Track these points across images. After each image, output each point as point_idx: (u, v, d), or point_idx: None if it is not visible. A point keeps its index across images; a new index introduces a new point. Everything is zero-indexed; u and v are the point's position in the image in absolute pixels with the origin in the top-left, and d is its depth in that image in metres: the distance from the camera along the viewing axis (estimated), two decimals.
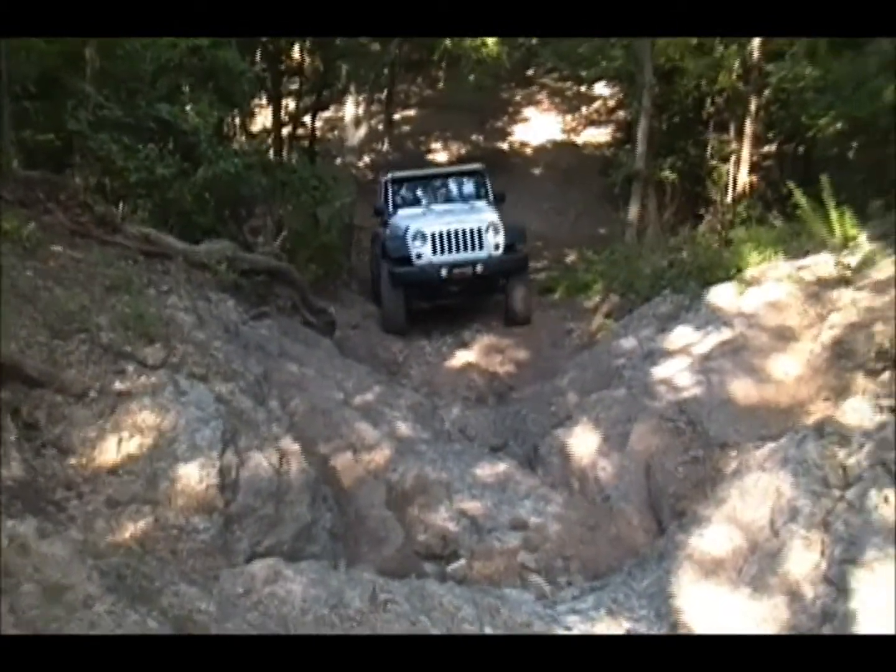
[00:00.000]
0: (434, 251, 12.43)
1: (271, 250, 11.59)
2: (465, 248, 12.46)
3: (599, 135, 24.74)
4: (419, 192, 14.69)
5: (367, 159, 22.39)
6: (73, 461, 5.07)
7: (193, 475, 5.28)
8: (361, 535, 6.23)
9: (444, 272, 12.29)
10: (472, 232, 12.53)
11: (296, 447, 6.13)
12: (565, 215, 20.14)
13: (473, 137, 25.28)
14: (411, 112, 27.00)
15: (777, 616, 4.74)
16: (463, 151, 24.49)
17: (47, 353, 5.80)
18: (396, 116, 26.08)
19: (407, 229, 12.76)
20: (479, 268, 12.32)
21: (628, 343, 9.54)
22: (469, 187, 14.80)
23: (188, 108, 12.25)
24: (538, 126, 25.93)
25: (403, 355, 11.84)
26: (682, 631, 4.90)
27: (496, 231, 12.59)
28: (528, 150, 24.65)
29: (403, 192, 14.66)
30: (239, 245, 10.93)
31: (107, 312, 6.74)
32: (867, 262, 8.08)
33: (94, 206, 9.01)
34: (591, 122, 25.56)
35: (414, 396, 9.63)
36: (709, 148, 16.95)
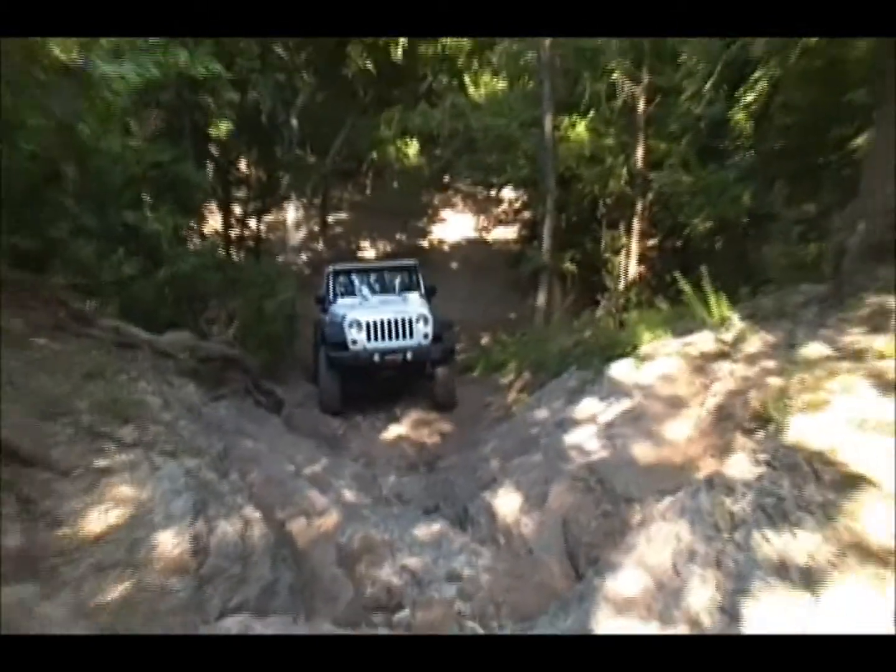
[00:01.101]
0: (368, 338, 12.37)
1: (225, 339, 11.70)
2: (397, 337, 12.43)
3: (507, 232, 25.16)
4: (357, 284, 14.74)
5: (304, 257, 22.45)
6: (63, 531, 5.03)
7: (169, 541, 5.28)
8: (316, 591, 6.19)
9: (376, 357, 12.23)
10: (403, 322, 12.48)
11: (257, 514, 6.11)
12: (479, 303, 20.38)
13: (398, 236, 25.55)
14: (343, 215, 27.18)
15: None
16: (388, 249, 24.78)
17: (37, 435, 5.80)
18: (330, 219, 26.25)
19: (344, 317, 12.69)
20: (409, 355, 12.28)
21: (541, 414, 9.60)
22: (403, 280, 14.88)
23: (149, 215, 12.34)
24: (454, 226, 26.38)
25: (342, 430, 11.78)
26: None
27: (426, 322, 12.56)
28: (446, 247, 24.99)
29: (343, 282, 14.73)
30: (196, 335, 11.03)
31: (86, 397, 6.73)
32: (740, 339, 8.32)
33: (71, 304, 9.08)
34: (499, 222, 26.01)
35: (354, 467, 9.63)
36: (603, 243, 17.36)
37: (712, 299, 9.19)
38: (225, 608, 5.21)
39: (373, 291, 14.58)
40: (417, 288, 14.62)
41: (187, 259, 12.23)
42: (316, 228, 24.86)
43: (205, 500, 5.89)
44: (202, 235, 17.60)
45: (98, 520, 5.26)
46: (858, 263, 8.35)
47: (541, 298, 15.58)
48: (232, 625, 4.57)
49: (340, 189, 28.05)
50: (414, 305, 13.36)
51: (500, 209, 26.46)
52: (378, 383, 13.01)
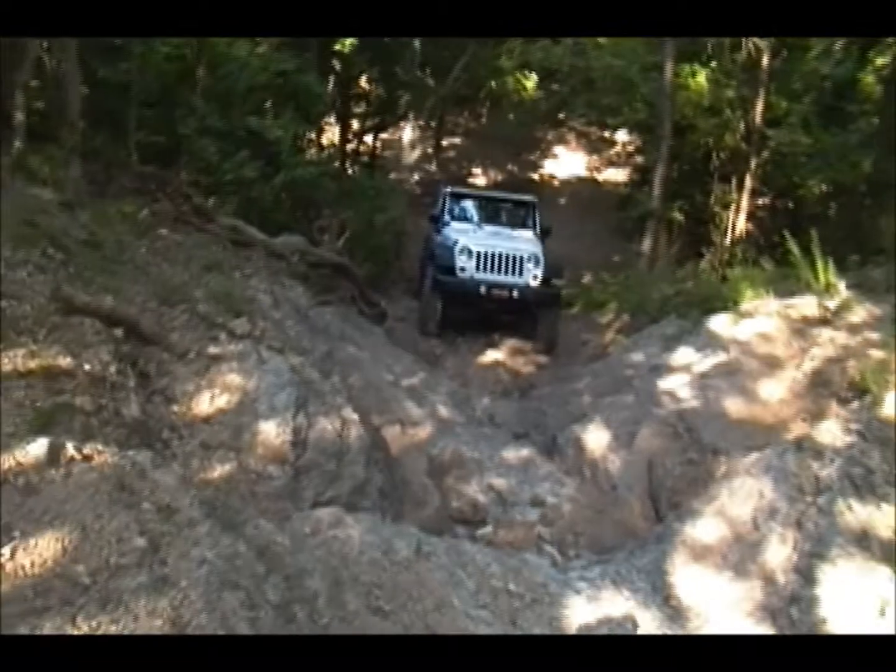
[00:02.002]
0: (477, 268, 11.99)
1: (335, 248, 11.84)
2: (506, 272, 12.03)
3: (617, 174, 24.72)
4: (473, 210, 14.30)
5: (416, 177, 22.51)
6: (175, 409, 5.28)
7: (271, 431, 5.48)
8: (405, 497, 6.33)
9: (482, 289, 11.87)
10: (514, 258, 12.09)
11: (355, 416, 6.25)
12: (583, 241, 20.08)
13: (509, 167, 25.33)
14: (457, 140, 27.03)
15: (753, 597, 4.89)
16: (499, 178, 24.59)
17: (157, 318, 6.02)
18: (444, 143, 26.14)
19: (456, 242, 12.29)
20: (515, 292, 11.90)
21: (636, 357, 9.52)
22: (519, 215, 14.33)
23: (271, 121, 12.48)
24: (565, 162, 26.00)
25: (441, 349, 11.81)
26: (672, 602, 5.01)
27: (536, 262, 12.14)
28: (556, 182, 24.65)
29: (459, 206, 14.26)
30: (308, 241, 11.17)
31: (203, 288, 6.94)
32: (844, 307, 8.14)
33: (193, 198, 9.32)
34: (611, 163, 25.59)
35: (450, 385, 9.65)
36: (713, 195, 16.92)
37: (820, 264, 8.93)
38: (317, 500, 5.39)
39: (488, 221, 13.93)
40: (533, 226, 14.01)
41: (306, 167, 12.25)
42: (430, 150, 24.75)
43: (306, 396, 6.06)
44: (320, 146, 17.72)
45: (207, 402, 5.48)
46: None
47: (646, 244, 15.28)
48: (324, 515, 4.65)
49: (456, 114, 27.71)
50: (527, 243, 12.86)
51: (612, 151, 26.06)
52: (480, 314, 12.65)
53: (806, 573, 4.86)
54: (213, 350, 5.90)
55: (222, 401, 5.48)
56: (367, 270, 12.60)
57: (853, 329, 7.77)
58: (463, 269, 11.98)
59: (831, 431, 5.93)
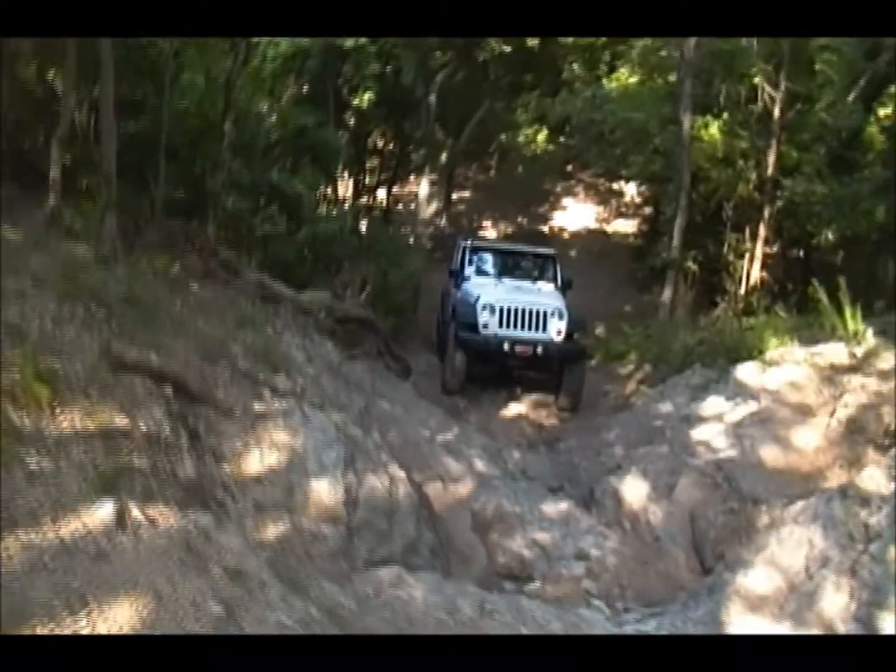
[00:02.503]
0: (500, 324, 11.60)
1: (358, 302, 11.81)
2: (530, 328, 11.64)
3: (626, 226, 24.93)
4: (493, 264, 13.86)
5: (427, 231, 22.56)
6: (226, 468, 5.20)
7: (323, 489, 5.44)
8: (452, 554, 6.24)
9: (506, 345, 11.42)
10: (538, 313, 11.71)
11: (402, 474, 6.23)
12: (596, 293, 20.12)
13: (518, 219, 25.47)
14: (466, 193, 27.25)
15: None
16: (509, 231, 24.76)
17: (200, 374, 5.93)
18: (454, 196, 26.28)
19: (478, 298, 11.93)
20: (539, 349, 11.45)
21: (665, 407, 9.48)
22: (540, 269, 13.99)
23: (293, 176, 12.61)
24: (574, 214, 26.15)
25: (464, 402, 11.62)
26: None
27: (560, 317, 11.75)
28: (565, 234, 24.77)
29: (479, 260, 13.84)
30: (332, 296, 11.21)
31: (240, 344, 6.92)
32: (872, 353, 8.14)
33: (220, 253, 9.34)
34: (620, 215, 25.78)
35: (482, 439, 9.55)
36: (726, 245, 16.99)
37: (848, 311, 8.96)
38: (371, 559, 5.32)
39: (508, 275, 13.48)
40: (554, 279, 13.67)
41: (329, 221, 12.33)
42: (440, 205, 24.90)
43: (353, 453, 6.02)
44: (336, 201, 17.84)
45: (257, 461, 5.42)
46: None
47: (666, 294, 15.29)
48: (385, 575, 4.65)
49: (465, 168, 27.94)
50: (549, 297, 12.54)
51: (621, 202, 26.24)
52: (503, 371, 12.30)
53: (866, 621, 4.76)
54: (258, 407, 5.86)
55: (272, 459, 5.43)
56: (387, 325, 12.54)
57: (883, 375, 7.72)
58: (486, 326, 11.64)
59: (874, 478, 5.91)
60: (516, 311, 11.69)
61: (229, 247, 9.84)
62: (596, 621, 5.24)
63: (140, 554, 3.44)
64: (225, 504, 4.92)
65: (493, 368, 12.18)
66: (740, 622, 5.15)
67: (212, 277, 8.89)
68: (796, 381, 8.24)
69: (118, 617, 3.08)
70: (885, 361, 7.98)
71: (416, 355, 13.57)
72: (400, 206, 24.07)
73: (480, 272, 13.55)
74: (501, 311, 11.68)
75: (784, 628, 5.00)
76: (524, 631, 4.54)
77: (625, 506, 7.35)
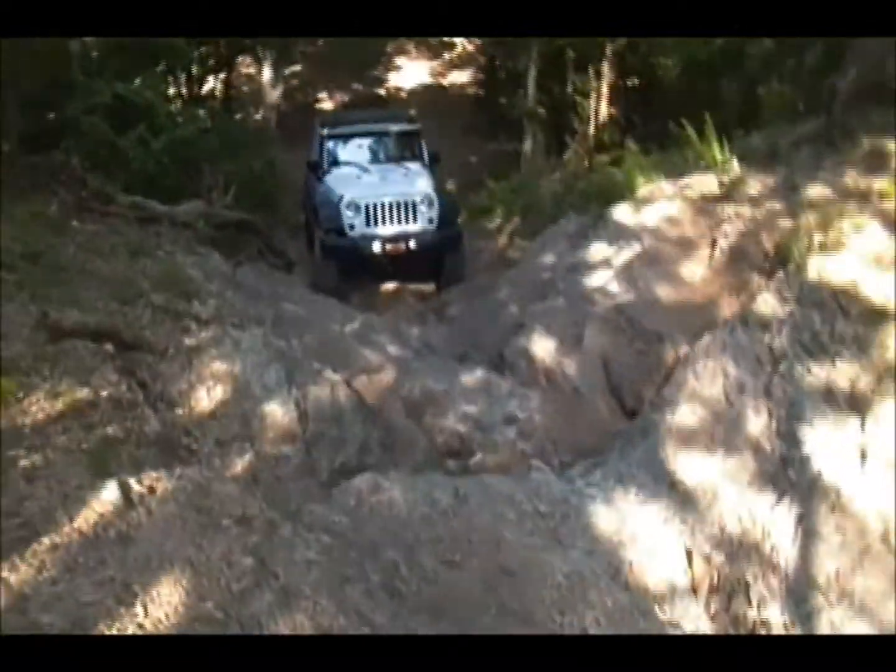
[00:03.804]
0: (367, 223, 11.01)
1: (225, 202, 11.31)
2: (399, 222, 11.06)
3: (462, 77, 24.76)
4: (353, 151, 12.76)
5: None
6: (179, 412, 5.14)
7: (277, 411, 5.44)
8: (395, 443, 6.29)
9: (376, 246, 10.95)
10: (405, 205, 11.10)
11: (337, 377, 6.23)
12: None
13: (354, 86, 24.90)
14: (297, 68, 26.28)
15: (748, 467, 5.25)
16: (346, 99, 24.20)
17: (125, 320, 5.82)
18: (286, 71, 25.04)
19: (341, 198, 11.18)
20: (412, 243, 11.01)
21: (548, 258, 9.61)
22: (405, 146, 12.98)
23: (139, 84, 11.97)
24: (409, 73, 25.71)
25: (345, 286, 11.13)
26: (678, 488, 5.32)
27: (430, 205, 11.14)
28: (403, 94, 24.46)
29: (339, 148, 12.70)
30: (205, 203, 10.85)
31: (145, 277, 6.78)
32: (739, 182, 8.52)
33: (89, 182, 8.95)
34: (454, 67, 25.54)
35: (381, 321, 9.45)
36: (570, 85, 17.11)
37: (713, 142, 9.29)
38: (332, 469, 5.41)
39: (372, 160, 12.62)
40: (420, 156, 12.75)
41: (186, 125, 11.80)
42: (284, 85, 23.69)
43: (287, 367, 6.01)
44: (183, 101, 16.80)
45: (206, 398, 5.37)
46: (850, 106, 8.51)
47: (527, 145, 15.43)
48: (360, 484, 4.71)
49: (291, 43, 26.77)
50: (419, 182, 11.76)
51: (454, 53, 25.92)
52: (379, 271, 11.56)
53: (788, 437, 5.26)
54: (188, 341, 5.78)
55: (218, 393, 5.39)
56: (259, 219, 12.19)
57: (754, 202, 8.13)
58: (352, 227, 11.03)
59: (768, 303, 6.36)
60: (383, 206, 11.05)
61: (93, 172, 9.39)
62: (549, 482, 5.49)
63: (158, 526, 3.48)
64: (192, 448, 4.93)
65: (368, 271, 11.52)
66: (677, 457, 5.52)
67: (88, 210, 8.58)
68: (672, 216, 8.56)
69: (167, 597, 3.15)
70: (752, 188, 8.38)
71: (286, 246, 13.23)
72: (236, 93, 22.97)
73: (341, 162, 12.54)
74: (367, 208, 11.02)
75: (718, 455, 5.41)
76: (500, 508, 4.80)
77: (537, 363, 7.54)
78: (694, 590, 4.78)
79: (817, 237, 6.80)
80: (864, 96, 8.45)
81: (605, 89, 15.90)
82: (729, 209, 8.23)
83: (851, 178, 7.72)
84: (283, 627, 3.14)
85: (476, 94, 22.06)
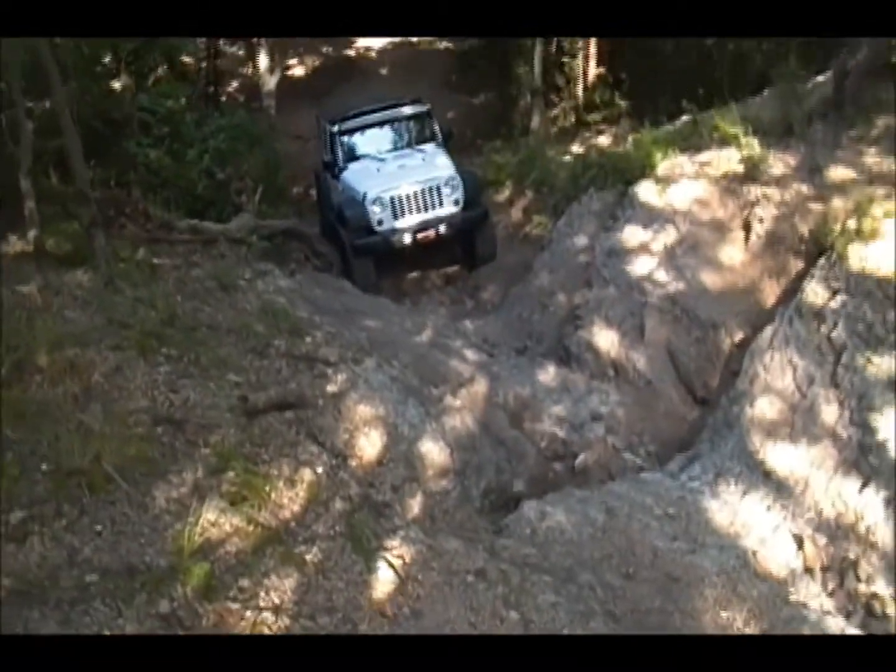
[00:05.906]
0: (395, 216, 11.05)
1: (254, 206, 11.24)
2: (426, 209, 11.12)
3: None
4: (366, 143, 12.44)
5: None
6: (353, 464, 5.41)
7: (431, 448, 5.82)
8: (510, 456, 6.65)
9: (407, 238, 11.02)
10: (430, 191, 11.12)
11: (457, 402, 6.63)
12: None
13: (324, 50, 24.72)
14: None
15: (831, 454, 5.99)
16: (317, 64, 24.10)
17: (256, 376, 5.93)
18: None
19: (365, 195, 11.19)
20: (442, 228, 11.06)
21: (581, 241, 9.83)
22: (418, 130, 12.67)
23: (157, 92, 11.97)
24: None
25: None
26: (772, 477, 6.05)
27: (454, 187, 11.16)
28: (373, 54, 24.39)
29: (351, 143, 12.43)
30: (234, 210, 10.96)
31: (251, 315, 6.93)
32: (760, 159, 8.92)
33: (151, 214, 9.16)
34: None
35: (437, 319, 9.64)
36: (554, 46, 17.31)
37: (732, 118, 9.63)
38: (482, 495, 5.97)
39: (387, 149, 12.38)
40: (434, 137, 12.50)
41: (217, 134, 11.80)
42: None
43: (414, 398, 6.35)
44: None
45: (368, 446, 5.64)
46: (861, 84, 9.09)
47: (535, 121, 15.57)
48: (528, 513, 5.35)
49: None
50: (438, 164, 11.67)
51: None
52: (413, 260, 11.75)
53: (862, 425, 5.99)
54: (330, 389, 5.98)
55: (375, 438, 5.67)
56: (283, 215, 12.33)
57: (778, 183, 8.60)
58: (381, 223, 11.06)
59: (818, 293, 7.01)
60: (408, 196, 11.10)
61: (145, 200, 9.47)
62: (661, 481, 6.21)
63: (432, 596, 4.20)
64: (389, 503, 5.29)
65: (401, 262, 11.71)
66: (765, 447, 6.26)
67: (155, 241, 8.80)
68: (700, 198, 8.96)
69: None
70: (774, 167, 8.85)
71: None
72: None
73: (357, 157, 12.30)
74: (392, 201, 11.07)
75: (801, 444, 6.16)
76: (638, 517, 5.49)
77: (603, 356, 8.03)
78: (808, 570, 5.59)
79: (851, 223, 7.39)
80: (875, 73, 9.05)
81: (592, 49, 16.22)
82: (756, 190, 8.70)
83: (872, 159, 8.34)
84: None
85: (456, 49, 21.96)
